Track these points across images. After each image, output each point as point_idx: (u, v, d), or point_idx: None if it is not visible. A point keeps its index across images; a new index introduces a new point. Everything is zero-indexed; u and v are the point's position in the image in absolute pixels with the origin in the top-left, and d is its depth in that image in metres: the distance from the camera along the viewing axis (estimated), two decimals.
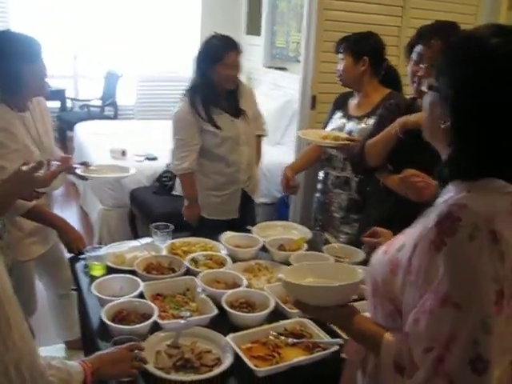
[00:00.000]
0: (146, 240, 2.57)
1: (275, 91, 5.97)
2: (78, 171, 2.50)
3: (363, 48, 2.83)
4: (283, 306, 1.96)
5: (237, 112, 3.13)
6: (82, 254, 2.31)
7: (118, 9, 7.88)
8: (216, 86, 3.02)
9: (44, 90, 2.49)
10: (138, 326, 1.79)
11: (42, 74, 2.41)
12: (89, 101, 7.84)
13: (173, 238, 2.56)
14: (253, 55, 6.72)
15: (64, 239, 2.51)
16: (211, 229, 2.90)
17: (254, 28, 6.85)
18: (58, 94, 7.68)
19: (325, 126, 3.05)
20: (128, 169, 2.76)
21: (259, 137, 3.43)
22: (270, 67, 6.47)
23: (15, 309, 1.18)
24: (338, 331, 1.79)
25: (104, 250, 2.34)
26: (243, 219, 3.18)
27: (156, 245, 2.50)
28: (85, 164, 2.59)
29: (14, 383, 1.15)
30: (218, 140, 3.07)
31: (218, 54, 2.95)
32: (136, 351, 1.55)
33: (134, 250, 2.45)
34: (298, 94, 3.87)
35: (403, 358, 1.16)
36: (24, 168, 1.81)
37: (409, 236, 1.24)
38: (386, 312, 1.29)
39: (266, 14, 6.50)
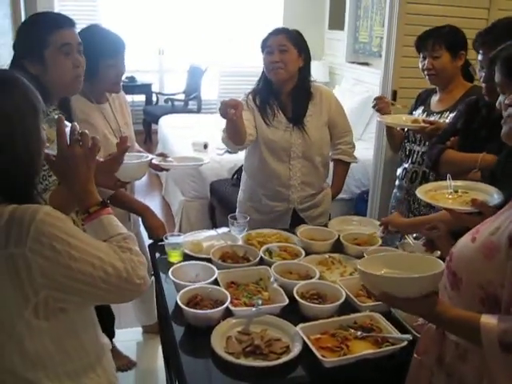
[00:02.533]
0: (223, 230, 2.63)
1: (357, 86, 5.93)
2: (154, 161, 2.58)
3: (459, 42, 2.74)
4: (354, 299, 1.96)
5: (296, 120, 2.80)
6: (162, 241, 2.40)
7: (203, 4, 8.04)
8: (273, 84, 2.80)
9: (117, 86, 2.55)
10: (211, 311, 1.84)
11: (118, 71, 2.48)
12: (173, 95, 8.07)
13: (249, 229, 2.62)
14: (335, 50, 6.71)
15: (146, 225, 2.61)
16: None
17: (337, 23, 6.82)
18: (144, 88, 7.94)
19: None
20: (201, 159, 2.79)
21: (341, 162, 3.05)
22: (352, 62, 6.42)
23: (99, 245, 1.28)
24: (408, 327, 1.79)
25: (182, 238, 2.42)
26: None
27: (232, 235, 2.56)
28: (162, 155, 2.66)
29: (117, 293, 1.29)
30: (268, 144, 2.81)
31: (263, 41, 2.79)
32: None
33: (211, 238, 2.52)
34: (379, 89, 3.83)
35: (510, 337, 1.19)
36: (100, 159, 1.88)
37: (503, 218, 1.30)
38: (474, 300, 1.33)
39: (349, 9, 6.46)
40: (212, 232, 2.60)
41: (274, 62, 2.69)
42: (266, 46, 2.75)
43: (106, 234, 1.35)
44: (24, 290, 1.18)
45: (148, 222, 2.59)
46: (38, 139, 1.31)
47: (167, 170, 2.81)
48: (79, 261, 1.21)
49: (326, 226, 2.70)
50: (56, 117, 1.74)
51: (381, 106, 2.96)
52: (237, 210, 3.06)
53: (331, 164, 3.07)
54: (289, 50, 2.70)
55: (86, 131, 1.45)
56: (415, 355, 1.57)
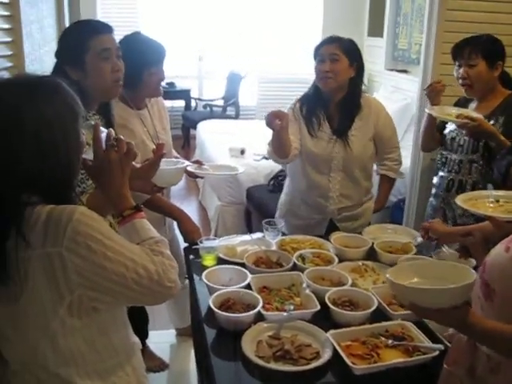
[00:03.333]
0: (258, 235, 2.65)
1: (395, 94, 5.89)
2: (190, 168, 2.60)
3: (497, 52, 2.70)
4: (386, 307, 1.95)
5: (341, 132, 2.76)
6: (197, 244, 2.43)
7: (242, 11, 8.11)
8: (322, 93, 2.77)
9: (158, 92, 2.60)
10: (242, 314, 1.86)
11: (159, 78, 2.52)
12: (212, 101, 8.13)
13: (283, 234, 2.63)
14: (374, 57, 6.66)
15: (182, 229, 2.65)
16: None
17: (376, 29, 6.79)
18: (183, 94, 8.03)
19: (442, 129, 2.98)
20: (236, 168, 2.76)
21: (387, 178, 3.00)
22: (391, 69, 6.38)
23: (132, 248, 1.31)
24: (440, 337, 1.77)
25: (217, 242, 2.45)
26: None
27: (267, 240, 2.57)
28: (198, 162, 2.70)
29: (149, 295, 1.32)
30: (309, 155, 2.79)
31: (316, 49, 2.73)
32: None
33: (246, 243, 2.54)
34: (417, 97, 3.80)
35: None
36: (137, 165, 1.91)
37: None
38: (508, 311, 1.31)
39: (389, 16, 6.41)
40: (246, 237, 2.63)
41: (324, 71, 2.66)
42: (317, 54, 2.71)
43: (138, 238, 1.38)
44: (59, 288, 1.22)
45: (183, 226, 2.63)
46: (78, 143, 1.35)
47: (202, 177, 2.84)
48: (113, 261, 1.24)
49: (360, 233, 2.70)
50: (93, 123, 1.79)
51: (435, 89, 2.91)
52: (277, 213, 3.07)
53: (376, 177, 3.03)
54: (340, 59, 2.65)
55: (122, 137, 1.49)
56: (445, 365, 1.56)
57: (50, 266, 1.20)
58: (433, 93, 2.91)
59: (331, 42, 2.71)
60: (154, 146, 2.47)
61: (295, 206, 2.93)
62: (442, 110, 2.81)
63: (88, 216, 1.24)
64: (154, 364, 3.15)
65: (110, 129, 1.50)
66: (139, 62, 2.37)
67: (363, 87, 2.84)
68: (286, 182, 3.08)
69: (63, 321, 1.25)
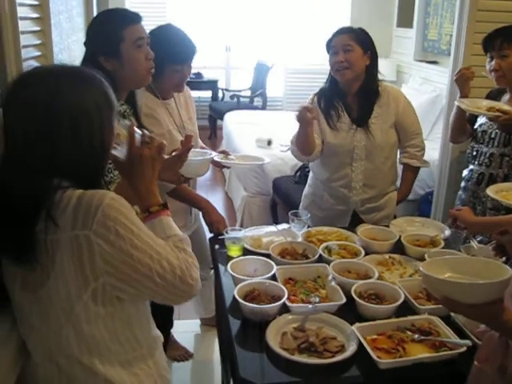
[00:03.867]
0: (284, 226, 2.64)
1: (425, 86, 5.82)
2: (216, 158, 2.60)
3: None
4: (413, 301, 1.93)
5: (361, 120, 2.75)
6: (222, 235, 2.43)
7: (271, 1, 8.05)
8: (339, 84, 2.77)
9: (180, 88, 2.58)
10: (267, 306, 1.86)
11: (183, 75, 2.51)
12: (239, 91, 8.12)
13: (309, 227, 2.61)
14: (403, 48, 6.59)
15: (207, 219, 2.65)
16: None
17: (405, 20, 6.69)
18: (211, 85, 8.04)
19: (473, 121, 2.93)
20: (262, 159, 2.76)
21: (409, 167, 2.95)
22: (420, 61, 6.29)
23: (158, 241, 1.32)
24: (468, 332, 1.74)
25: (242, 233, 2.44)
26: None
27: (292, 231, 2.56)
28: (224, 153, 2.69)
29: (171, 291, 1.32)
30: (330, 147, 2.79)
31: (327, 42, 2.76)
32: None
33: (271, 234, 2.53)
34: (447, 88, 3.74)
35: None
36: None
37: None
38: None
39: (418, 6, 6.31)
40: (272, 228, 2.62)
41: (339, 63, 2.66)
42: (330, 46, 2.73)
43: (163, 233, 1.39)
44: (85, 272, 1.22)
45: (208, 216, 2.63)
46: (111, 133, 1.37)
47: (228, 167, 2.84)
48: (140, 250, 1.24)
49: (387, 226, 2.67)
50: (128, 123, 1.80)
51: (464, 76, 2.84)
52: (301, 204, 3.07)
53: (400, 168, 2.99)
54: (353, 49, 2.66)
55: (154, 135, 1.51)
56: (475, 362, 1.53)
57: (78, 248, 1.21)
58: (461, 79, 2.85)
59: (342, 32, 2.71)
60: (181, 136, 2.50)
61: (318, 197, 2.93)
62: (473, 103, 2.75)
63: (118, 202, 1.25)
64: (179, 353, 3.17)
65: (144, 130, 1.52)
66: (164, 56, 2.37)
67: (380, 76, 2.82)
68: (310, 174, 3.07)
69: (87, 306, 1.26)
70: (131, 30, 1.97)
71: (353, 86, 2.75)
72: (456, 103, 2.86)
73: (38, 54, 1.94)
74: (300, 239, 2.48)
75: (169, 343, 3.08)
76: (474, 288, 1.28)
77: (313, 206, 2.94)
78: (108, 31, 1.97)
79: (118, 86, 1.94)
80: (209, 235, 2.67)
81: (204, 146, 2.88)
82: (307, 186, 3.08)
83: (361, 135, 2.74)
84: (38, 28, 1.95)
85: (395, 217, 2.96)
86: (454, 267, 1.44)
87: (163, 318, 2.79)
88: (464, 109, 2.76)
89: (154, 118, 2.46)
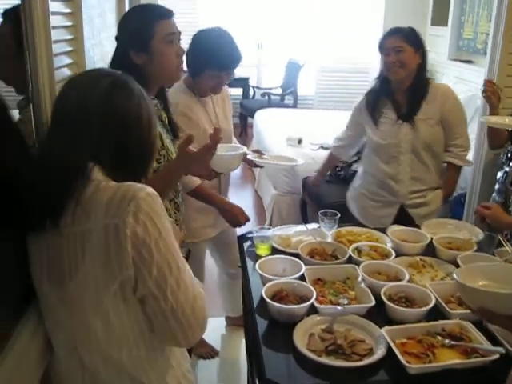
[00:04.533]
0: (313, 226, 2.61)
1: (459, 85, 5.70)
2: (249, 156, 2.59)
3: None
4: (444, 305, 1.88)
5: (407, 116, 2.84)
6: (249, 232, 2.41)
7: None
8: (390, 82, 2.86)
9: (216, 91, 2.60)
10: (295, 306, 1.84)
11: (220, 82, 2.52)
12: (270, 89, 8.10)
13: (339, 227, 2.58)
14: (437, 47, 6.47)
15: (225, 217, 2.65)
16: None
17: (440, 18, 6.57)
18: (242, 82, 8.03)
19: None
20: (295, 159, 2.77)
21: (452, 165, 2.95)
22: (455, 60, 6.17)
23: (182, 259, 1.30)
24: (501, 339, 1.69)
25: (271, 232, 2.43)
26: None
27: (322, 231, 2.53)
28: (258, 152, 2.68)
29: (178, 318, 1.27)
30: (373, 143, 2.95)
31: (379, 44, 2.83)
32: None
33: (300, 234, 2.50)
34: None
35: None
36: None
37: None
38: None
39: (454, 3, 6.20)
40: (302, 227, 2.59)
41: (392, 63, 2.74)
42: (382, 48, 2.81)
43: None
44: (112, 263, 1.20)
45: (227, 213, 2.63)
46: (156, 127, 1.41)
47: (261, 167, 2.84)
48: (161, 255, 1.22)
49: (418, 227, 2.62)
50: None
51: (489, 90, 2.76)
52: (348, 194, 3.24)
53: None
54: (404, 49, 2.73)
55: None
56: None
57: (106, 238, 1.19)
58: (486, 94, 2.78)
59: (392, 34, 2.78)
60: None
61: (366, 188, 3.06)
62: (499, 119, 2.69)
63: (154, 199, 1.23)
64: (205, 351, 3.17)
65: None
66: (205, 60, 2.37)
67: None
68: (360, 167, 3.24)
69: (116, 298, 1.24)
70: (162, 26, 1.96)
71: (404, 83, 2.83)
72: (481, 119, 2.81)
73: (70, 49, 1.95)
74: (330, 239, 2.45)
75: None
76: (511, 298, 1.24)
77: (360, 198, 3.09)
78: (139, 25, 1.96)
79: (148, 80, 1.94)
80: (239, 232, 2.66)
81: (238, 144, 2.88)
82: (356, 177, 3.20)
83: (406, 130, 2.82)
84: (69, 23, 1.95)
85: None
86: (489, 275, 1.40)
87: None
88: (494, 125, 2.72)
89: (190, 118, 2.48)
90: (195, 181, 2.49)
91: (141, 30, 1.95)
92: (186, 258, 1.46)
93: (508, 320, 1.25)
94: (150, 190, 1.24)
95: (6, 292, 1.31)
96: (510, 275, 1.38)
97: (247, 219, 2.51)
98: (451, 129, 2.86)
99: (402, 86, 2.83)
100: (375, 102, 2.90)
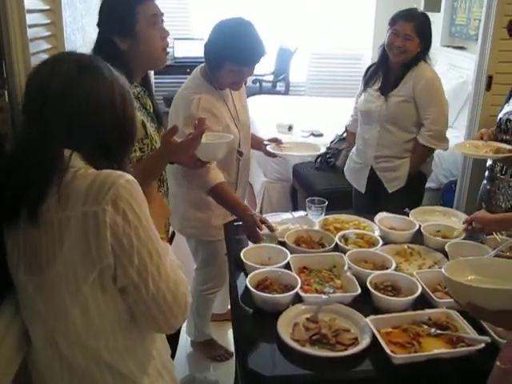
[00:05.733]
0: (300, 213, 2.58)
1: (451, 71, 5.67)
2: (269, 148, 2.53)
3: None
4: (431, 293, 1.86)
5: (384, 90, 3.04)
6: (236, 220, 2.38)
7: None
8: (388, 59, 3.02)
9: (235, 87, 2.55)
10: (279, 295, 1.81)
11: (240, 77, 2.47)
12: (262, 76, 8.02)
13: (327, 215, 2.55)
14: None
15: (245, 228, 2.32)
16: None
17: (433, 4, 6.49)
18: None
19: (500, 110, 2.83)
20: (318, 147, 2.76)
21: (420, 144, 3.03)
22: (447, 46, 6.13)
23: (162, 245, 1.28)
24: (488, 328, 1.67)
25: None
26: (375, 202, 3.22)
27: (309, 219, 2.51)
28: (276, 141, 2.62)
29: (160, 306, 1.26)
30: (358, 109, 3.24)
31: (393, 19, 2.96)
32: None
33: (287, 221, 2.48)
34: (474, 74, 3.63)
35: None
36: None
37: None
38: None
39: None
40: (288, 215, 2.56)
41: (397, 47, 2.91)
42: (393, 25, 2.94)
43: None
44: (91, 251, 1.17)
45: (246, 226, 2.28)
46: (134, 108, 1.37)
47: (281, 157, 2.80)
48: (142, 242, 1.20)
49: (407, 214, 2.60)
50: (134, 91, 1.77)
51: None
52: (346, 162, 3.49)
53: None
54: (412, 39, 2.90)
55: None
56: (498, 363, 1.45)
57: (85, 225, 1.16)
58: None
59: (408, 20, 2.92)
60: (236, 128, 2.51)
61: (353, 150, 3.38)
62: (472, 146, 2.74)
63: (133, 186, 1.20)
64: (219, 353, 3.13)
65: None
66: (225, 52, 2.34)
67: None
68: None
69: (94, 287, 1.21)
70: (145, 7, 1.90)
71: (399, 63, 3.00)
72: (455, 148, 2.84)
73: (48, 33, 1.88)
74: (317, 227, 2.42)
75: (207, 343, 3.13)
76: (501, 294, 1.21)
77: (350, 159, 3.42)
78: (121, 10, 1.90)
79: (133, 67, 1.89)
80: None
81: (257, 136, 2.93)
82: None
83: (380, 102, 3.04)
84: (47, 7, 1.88)
85: (415, 199, 3.09)
86: (479, 269, 1.37)
87: None
88: (468, 155, 2.84)
89: (213, 114, 2.41)
90: (214, 179, 2.33)
91: (123, 14, 1.89)
92: (170, 242, 1.42)
93: (497, 315, 1.23)
94: (130, 176, 1.21)
95: None
96: (499, 270, 1.35)
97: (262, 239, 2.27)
98: (420, 108, 2.99)
99: (396, 65, 3.00)
100: (372, 72, 3.13)
